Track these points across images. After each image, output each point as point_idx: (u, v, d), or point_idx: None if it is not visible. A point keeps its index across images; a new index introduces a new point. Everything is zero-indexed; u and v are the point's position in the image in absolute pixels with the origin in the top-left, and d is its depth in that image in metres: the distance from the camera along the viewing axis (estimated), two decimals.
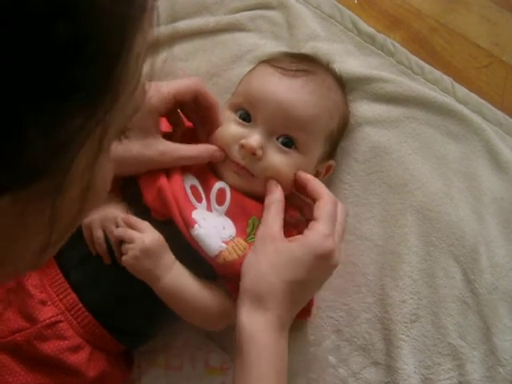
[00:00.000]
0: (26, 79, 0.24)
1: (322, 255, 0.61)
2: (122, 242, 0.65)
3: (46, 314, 0.66)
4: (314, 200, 0.66)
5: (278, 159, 0.68)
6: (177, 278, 0.65)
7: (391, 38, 0.87)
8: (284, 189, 0.68)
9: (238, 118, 0.70)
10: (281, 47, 0.84)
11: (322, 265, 0.62)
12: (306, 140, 0.69)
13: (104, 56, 0.27)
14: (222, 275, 0.67)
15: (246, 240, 0.67)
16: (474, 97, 0.85)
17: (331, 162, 0.76)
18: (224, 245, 0.65)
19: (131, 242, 0.63)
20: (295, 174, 0.69)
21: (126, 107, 0.32)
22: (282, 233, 0.64)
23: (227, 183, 0.69)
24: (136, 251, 0.63)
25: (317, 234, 0.62)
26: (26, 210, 0.30)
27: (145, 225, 0.65)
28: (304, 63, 0.72)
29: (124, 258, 0.64)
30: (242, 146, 0.66)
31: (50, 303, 0.67)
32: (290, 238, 0.63)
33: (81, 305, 0.67)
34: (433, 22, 0.90)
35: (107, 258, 0.68)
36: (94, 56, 0.26)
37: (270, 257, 0.61)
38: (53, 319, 0.66)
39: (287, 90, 0.68)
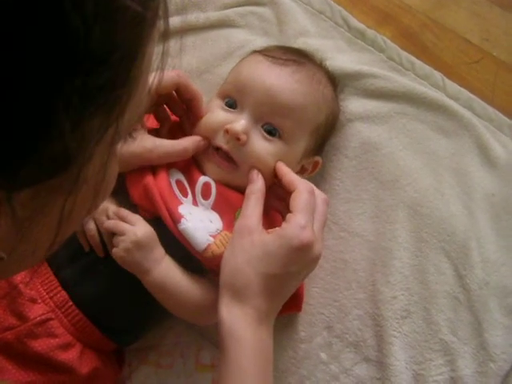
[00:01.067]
0: (62, 77, 0.27)
1: (299, 247, 0.59)
2: (113, 234, 0.65)
3: (37, 311, 0.66)
4: (290, 192, 0.64)
5: (261, 146, 0.67)
6: (166, 271, 0.65)
7: (381, 34, 0.87)
8: (265, 179, 0.67)
9: (224, 105, 0.69)
10: (271, 43, 0.83)
11: (300, 257, 0.60)
12: (291, 129, 0.68)
13: (126, 60, 0.30)
14: (210, 269, 0.67)
15: None
16: (464, 92, 0.84)
17: (317, 159, 0.75)
18: (211, 238, 0.65)
19: (122, 234, 0.63)
20: (275, 166, 0.68)
21: (135, 109, 0.33)
22: (260, 224, 0.63)
23: (209, 176, 0.69)
24: (127, 243, 0.63)
25: (293, 226, 0.60)
26: (42, 204, 0.32)
27: (136, 218, 0.65)
28: (296, 55, 0.72)
29: (114, 250, 0.64)
30: (227, 131, 0.66)
31: (40, 301, 0.67)
32: (268, 230, 0.62)
33: (71, 302, 0.67)
34: (423, 17, 0.89)
35: (100, 250, 0.67)
36: (119, 60, 0.29)
37: (247, 249, 0.61)
38: (43, 317, 0.66)
39: (275, 77, 0.68)
